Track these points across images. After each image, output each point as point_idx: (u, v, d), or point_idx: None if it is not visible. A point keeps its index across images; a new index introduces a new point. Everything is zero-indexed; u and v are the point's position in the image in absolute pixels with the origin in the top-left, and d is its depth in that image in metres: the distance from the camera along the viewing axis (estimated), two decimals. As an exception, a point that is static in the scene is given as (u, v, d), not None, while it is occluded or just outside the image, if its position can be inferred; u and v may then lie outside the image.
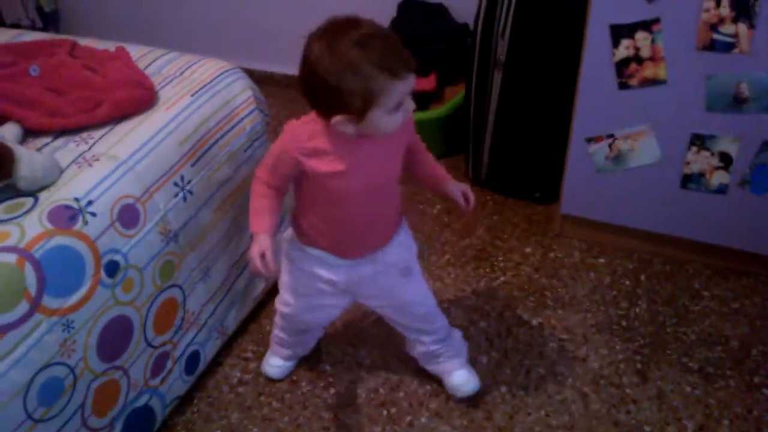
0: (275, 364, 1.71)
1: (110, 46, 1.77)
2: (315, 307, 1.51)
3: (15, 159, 1.29)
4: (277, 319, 1.63)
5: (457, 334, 1.63)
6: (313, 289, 1.46)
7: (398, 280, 1.46)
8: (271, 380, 1.72)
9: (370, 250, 1.41)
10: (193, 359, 1.63)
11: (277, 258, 1.34)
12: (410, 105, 1.21)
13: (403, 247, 1.46)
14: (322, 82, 1.13)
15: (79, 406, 1.33)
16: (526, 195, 2.22)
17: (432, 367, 1.64)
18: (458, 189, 1.42)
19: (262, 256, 1.30)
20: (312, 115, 1.26)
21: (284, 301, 1.54)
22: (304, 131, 1.26)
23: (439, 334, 1.57)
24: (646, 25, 1.63)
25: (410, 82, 1.17)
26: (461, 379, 1.62)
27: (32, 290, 1.20)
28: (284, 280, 1.51)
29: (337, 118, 1.17)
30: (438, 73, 2.27)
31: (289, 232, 1.45)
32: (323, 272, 1.42)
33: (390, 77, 1.13)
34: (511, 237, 2.10)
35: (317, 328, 1.70)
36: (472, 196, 1.42)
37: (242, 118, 1.68)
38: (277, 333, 1.66)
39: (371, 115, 1.16)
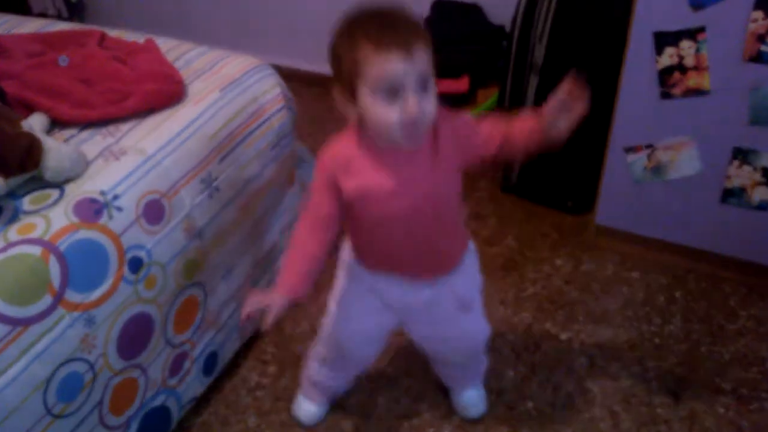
0: (307, 408, 1.61)
1: (139, 38, 1.75)
2: (355, 319, 1.40)
3: (42, 150, 1.27)
4: (318, 348, 1.51)
5: (483, 359, 1.57)
6: (362, 300, 1.37)
7: (454, 314, 1.37)
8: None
9: (432, 275, 1.31)
10: (211, 360, 1.60)
11: None
12: (413, 105, 1.06)
13: (468, 279, 1.37)
14: (330, 49, 1.14)
15: (97, 404, 1.30)
16: (558, 204, 2.17)
17: (445, 380, 1.60)
18: (555, 99, 1.19)
19: (264, 311, 1.20)
20: (342, 133, 1.21)
21: (328, 312, 1.44)
22: (338, 147, 1.20)
23: (471, 371, 1.54)
24: (691, 34, 1.58)
25: (406, 70, 1.05)
26: (471, 399, 1.58)
27: (56, 284, 1.18)
28: (335, 287, 1.41)
29: (336, 90, 1.14)
30: (471, 75, 2.24)
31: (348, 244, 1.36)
32: (378, 287, 1.34)
33: (375, 48, 1.06)
34: (542, 247, 2.05)
35: (356, 356, 1.50)
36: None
37: (270, 116, 1.65)
38: (315, 366, 1.54)
39: (361, 95, 1.09)
